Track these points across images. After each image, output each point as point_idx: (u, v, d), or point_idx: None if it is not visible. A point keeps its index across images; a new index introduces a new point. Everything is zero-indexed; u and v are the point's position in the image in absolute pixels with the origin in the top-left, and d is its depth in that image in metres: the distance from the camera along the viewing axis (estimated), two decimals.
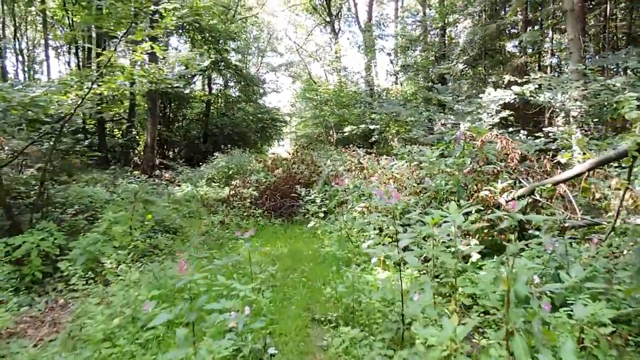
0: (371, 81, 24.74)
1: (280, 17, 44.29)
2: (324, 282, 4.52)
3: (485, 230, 4.86)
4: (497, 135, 5.68)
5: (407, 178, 6.15)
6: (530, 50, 17.64)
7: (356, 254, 5.17)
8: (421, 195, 5.86)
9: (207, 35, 22.69)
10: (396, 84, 23.59)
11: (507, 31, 19.00)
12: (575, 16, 9.98)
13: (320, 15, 31.70)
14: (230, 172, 14.52)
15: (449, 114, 12.08)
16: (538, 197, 4.88)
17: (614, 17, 15.67)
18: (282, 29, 41.72)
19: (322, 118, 23.98)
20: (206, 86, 28.24)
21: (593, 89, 8.03)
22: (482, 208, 5.00)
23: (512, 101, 10.58)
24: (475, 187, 5.66)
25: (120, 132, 21.24)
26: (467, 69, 18.17)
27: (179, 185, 13.13)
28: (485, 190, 5.11)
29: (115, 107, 23.34)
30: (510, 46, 20.28)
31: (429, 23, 20.87)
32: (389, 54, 20.66)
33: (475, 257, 4.64)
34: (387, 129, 20.15)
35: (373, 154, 15.95)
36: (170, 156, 25.35)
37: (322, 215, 6.82)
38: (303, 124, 28.31)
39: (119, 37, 6.91)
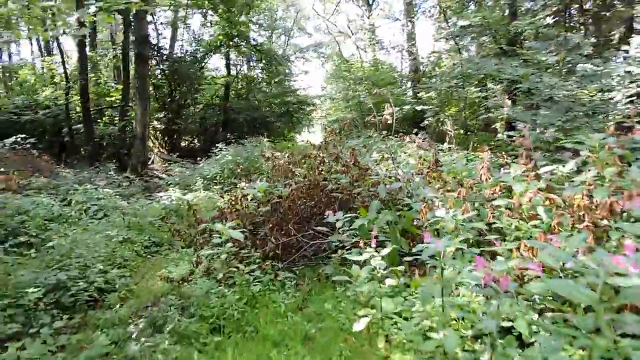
0: (415, 52, 20.43)
1: None
2: None
3: None
4: None
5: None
6: None
7: None
8: None
9: (218, 2, 18.91)
10: (449, 53, 19.23)
11: None
12: None
13: None
14: (239, 170, 10.82)
15: (559, 78, 7.88)
16: None
17: None
18: (309, 5, 37.30)
19: (356, 99, 20.18)
20: (224, 67, 24.63)
21: None
22: None
23: None
24: None
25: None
26: (549, 27, 13.61)
27: (166, 190, 9.51)
28: None
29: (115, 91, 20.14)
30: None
31: None
32: (443, 12, 16.35)
33: None
34: (441, 109, 15.97)
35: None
36: (186, 147, 22.06)
37: (385, 291, 2.98)
38: (334, 107, 24.40)
39: None
